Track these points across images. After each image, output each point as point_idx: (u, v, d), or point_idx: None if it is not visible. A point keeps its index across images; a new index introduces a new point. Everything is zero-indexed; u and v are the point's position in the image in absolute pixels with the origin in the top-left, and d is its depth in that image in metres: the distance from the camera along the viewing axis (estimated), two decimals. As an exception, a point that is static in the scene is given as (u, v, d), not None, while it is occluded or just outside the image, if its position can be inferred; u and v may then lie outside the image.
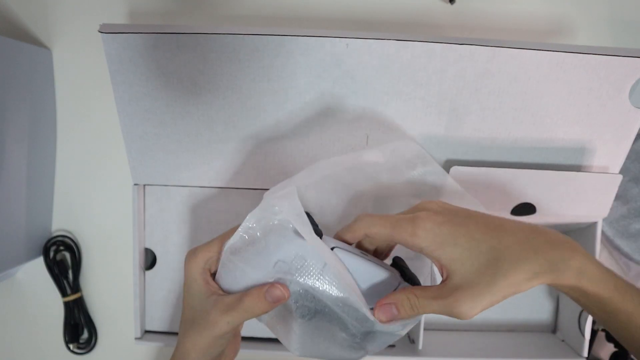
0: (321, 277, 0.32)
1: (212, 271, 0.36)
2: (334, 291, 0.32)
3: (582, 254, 0.30)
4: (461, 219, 0.32)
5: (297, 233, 0.33)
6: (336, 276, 0.32)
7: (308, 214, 0.34)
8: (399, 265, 0.37)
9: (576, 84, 0.42)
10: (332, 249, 0.33)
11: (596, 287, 0.30)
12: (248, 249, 0.33)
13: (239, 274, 0.34)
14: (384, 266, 0.35)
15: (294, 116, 0.43)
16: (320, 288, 0.32)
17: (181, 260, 0.49)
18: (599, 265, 0.31)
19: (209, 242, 0.36)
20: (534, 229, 0.32)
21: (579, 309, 0.50)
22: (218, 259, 0.35)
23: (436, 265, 0.33)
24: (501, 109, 0.43)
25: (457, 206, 0.34)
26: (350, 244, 0.35)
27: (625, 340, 0.31)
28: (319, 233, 0.33)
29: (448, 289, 0.31)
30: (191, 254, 0.35)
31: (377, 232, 0.33)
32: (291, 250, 0.32)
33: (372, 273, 0.33)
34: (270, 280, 0.33)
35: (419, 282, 0.36)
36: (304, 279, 0.32)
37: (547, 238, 0.31)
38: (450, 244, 0.31)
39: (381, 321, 0.32)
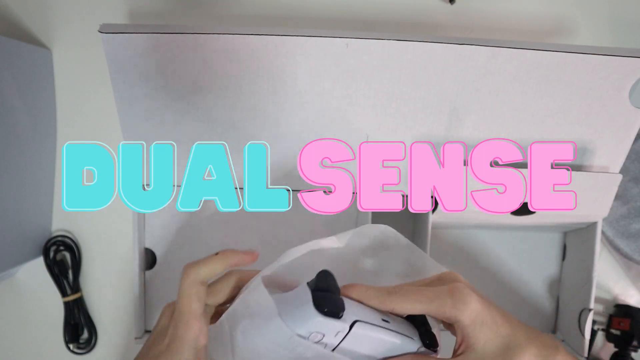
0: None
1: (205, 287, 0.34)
2: None
3: (563, 350, 0.32)
4: (487, 299, 0.32)
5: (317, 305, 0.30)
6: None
7: (328, 273, 0.31)
8: (419, 322, 0.34)
9: (576, 84, 0.42)
10: (352, 324, 0.30)
11: None
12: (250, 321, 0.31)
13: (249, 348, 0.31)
14: (404, 331, 0.33)
15: (293, 116, 0.43)
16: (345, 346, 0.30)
17: (181, 260, 0.49)
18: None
19: (209, 260, 0.35)
20: (527, 326, 0.33)
21: (579, 309, 0.50)
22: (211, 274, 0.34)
23: (457, 335, 0.33)
24: (501, 109, 0.43)
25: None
26: None
27: None
28: (339, 308, 0.30)
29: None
30: (192, 268, 0.35)
31: (411, 308, 0.32)
32: (310, 327, 0.29)
33: (392, 344, 0.32)
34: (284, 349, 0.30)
35: (437, 343, 0.34)
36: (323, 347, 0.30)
37: (538, 335, 0.32)
38: (481, 322, 0.31)
39: None
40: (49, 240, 0.54)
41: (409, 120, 0.43)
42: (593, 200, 0.46)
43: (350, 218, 0.48)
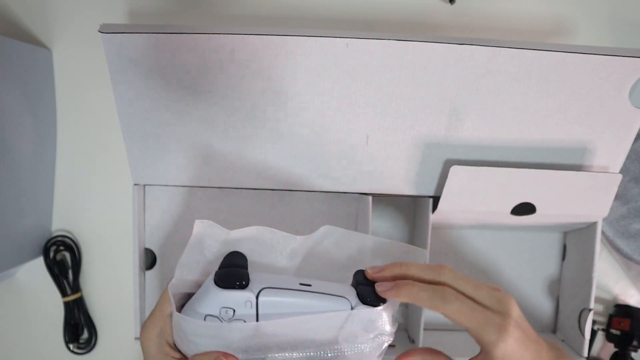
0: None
1: (170, 341, 0.33)
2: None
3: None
4: (528, 339, 0.32)
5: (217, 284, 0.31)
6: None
7: (236, 253, 0.33)
8: (360, 284, 0.34)
9: (576, 84, 0.42)
10: (259, 291, 0.31)
11: None
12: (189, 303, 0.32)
13: (184, 335, 0.32)
14: (332, 291, 0.32)
15: (294, 116, 0.43)
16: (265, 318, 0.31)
17: (181, 260, 0.49)
18: None
19: (151, 313, 0.34)
20: (551, 344, 0.34)
21: (579, 308, 0.50)
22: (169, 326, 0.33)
23: (481, 351, 0.34)
24: (501, 109, 0.43)
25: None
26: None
27: None
28: (241, 279, 0.31)
29: None
30: (143, 331, 0.33)
31: (456, 319, 0.32)
32: (215, 305, 0.31)
33: (318, 306, 0.32)
34: (210, 338, 0.31)
35: (382, 299, 0.33)
36: (239, 332, 0.31)
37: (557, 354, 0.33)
38: (509, 358, 0.32)
39: None
40: (49, 240, 0.54)
41: (409, 120, 0.43)
42: (593, 200, 0.46)
43: (350, 219, 0.48)
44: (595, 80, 0.42)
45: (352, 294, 0.33)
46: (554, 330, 0.56)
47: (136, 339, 0.48)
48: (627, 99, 0.43)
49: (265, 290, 0.31)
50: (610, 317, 0.57)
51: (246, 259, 0.34)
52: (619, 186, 0.46)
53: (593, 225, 0.49)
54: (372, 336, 0.32)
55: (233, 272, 0.32)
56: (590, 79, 0.42)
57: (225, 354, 0.30)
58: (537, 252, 0.55)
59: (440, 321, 0.55)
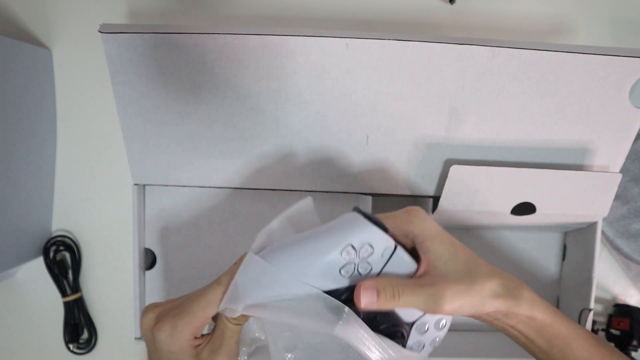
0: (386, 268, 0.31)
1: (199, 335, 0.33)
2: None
3: (526, 285, 0.34)
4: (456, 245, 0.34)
5: (367, 219, 0.31)
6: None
7: (367, 215, 0.32)
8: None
9: (576, 84, 0.42)
10: (395, 246, 0.32)
11: (543, 313, 0.33)
12: (298, 237, 0.32)
13: (283, 269, 0.31)
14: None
15: (294, 116, 0.43)
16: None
17: (181, 260, 0.49)
18: (536, 294, 0.34)
19: (187, 310, 0.32)
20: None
21: (579, 309, 0.50)
22: (205, 324, 0.32)
23: (420, 255, 0.33)
24: (501, 109, 0.43)
25: None
26: None
27: None
28: (385, 228, 0.32)
29: (430, 280, 0.32)
30: (171, 329, 0.32)
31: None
32: (362, 237, 0.30)
33: (409, 271, 0.32)
34: (335, 267, 0.30)
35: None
36: (367, 267, 0.31)
37: (497, 270, 0.34)
38: (439, 240, 0.33)
39: (359, 305, 0.31)
40: (49, 240, 0.54)
41: (409, 120, 0.43)
42: (593, 200, 0.46)
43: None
44: (595, 80, 0.42)
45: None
46: (554, 330, 0.56)
47: (137, 339, 0.48)
48: (627, 99, 0.43)
49: (400, 249, 0.32)
50: (610, 317, 0.57)
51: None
52: (619, 186, 0.46)
53: (593, 225, 0.49)
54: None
55: (380, 221, 0.32)
56: (590, 79, 0.42)
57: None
58: (537, 252, 0.55)
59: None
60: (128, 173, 0.46)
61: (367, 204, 0.46)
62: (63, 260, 0.55)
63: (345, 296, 0.31)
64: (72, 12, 0.53)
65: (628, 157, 0.47)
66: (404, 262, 0.32)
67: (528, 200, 0.46)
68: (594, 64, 0.41)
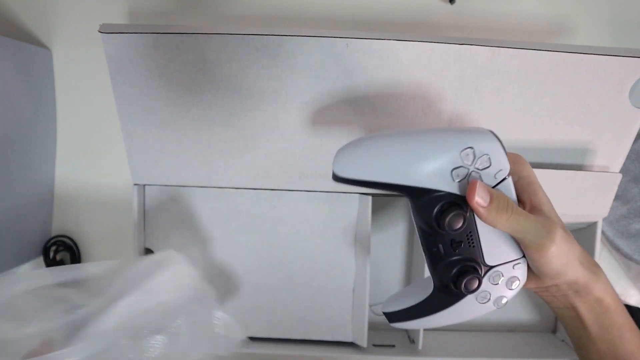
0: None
1: None
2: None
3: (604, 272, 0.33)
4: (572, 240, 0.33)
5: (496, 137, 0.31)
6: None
7: (496, 135, 0.32)
8: None
9: (576, 84, 0.42)
10: (508, 174, 0.31)
11: (612, 298, 0.32)
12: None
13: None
14: None
15: (294, 116, 0.43)
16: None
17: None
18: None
19: None
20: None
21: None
22: None
23: (522, 200, 0.33)
24: (501, 109, 0.43)
25: None
26: None
27: (603, 356, 0.33)
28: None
29: (543, 217, 0.31)
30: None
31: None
32: (486, 146, 0.30)
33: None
34: (449, 165, 0.30)
35: None
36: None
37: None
38: (541, 190, 0.33)
39: (470, 199, 0.30)
40: (49, 240, 0.54)
41: (409, 120, 0.43)
42: (593, 200, 0.46)
43: (350, 219, 0.48)
44: (595, 80, 0.42)
45: None
46: (554, 331, 0.56)
47: (136, 339, 0.48)
48: (627, 99, 0.43)
49: (509, 179, 0.31)
50: (610, 317, 0.57)
51: None
52: (619, 186, 0.46)
53: (593, 225, 0.49)
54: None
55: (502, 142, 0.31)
56: (590, 79, 0.42)
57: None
58: (537, 252, 0.55)
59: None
60: (128, 173, 0.46)
61: (367, 204, 0.46)
62: (63, 260, 0.55)
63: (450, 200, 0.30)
64: (72, 12, 0.53)
65: (628, 157, 0.47)
66: (510, 194, 0.31)
67: (528, 200, 0.46)
68: (594, 64, 0.41)
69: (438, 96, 0.42)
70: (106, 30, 0.40)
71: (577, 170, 0.45)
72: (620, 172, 0.46)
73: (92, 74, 0.53)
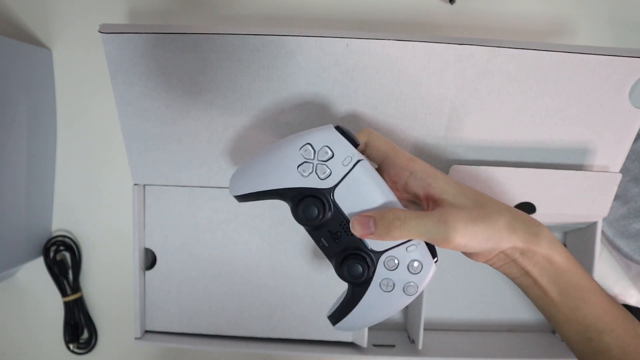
0: (347, 176, 0.32)
1: None
2: (361, 195, 0.32)
3: (544, 225, 0.32)
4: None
5: (338, 130, 0.33)
6: (368, 180, 0.32)
7: (340, 128, 0.34)
8: None
9: (576, 84, 0.42)
10: (359, 160, 0.33)
11: (561, 256, 0.31)
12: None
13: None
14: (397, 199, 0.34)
15: (294, 116, 0.43)
16: (343, 187, 0.32)
17: (181, 261, 0.49)
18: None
19: None
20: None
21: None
22: None
23: (421, 196, 0.32)
24: (501, 109, 0.43)
25: None
26: None
27: (569, 321, 0.31)
28: (355, 141, 0.34)
29: (439, 210, 0.30)
30: None
31: (379, 145, 0.34)
32: (324, 139, 0.33)
33: (388, 196, 0.32)
34: (294, 163, 0.33)
35: None
36: (326, 171, 0.32)
37: (511, 207, 0.32)
38: (441, 178, 0.32)
39: (355, 233, 0.31)
40: (49, 240, 0.54)
41: (409, 120, 0.43)
42: (593, 200, 0.46)
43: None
44: (595, 80, 0.42)
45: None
46: (554, 331, 0.56)
47: (137, 339, 0.48)
48: (627, 99, 0.43)
49: (365, 162, 0.33)
50: (610, 317, 0.57)
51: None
52: (619, 186, 0.46)
53: (593, 225, 0.49)
54: None
55: (350, 132, 0.34)
56: (590, 79, 0.42)
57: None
58: (537, 252, 0.55)
59: (440, 321, 0.55)
60: (128, 173, 0.46)
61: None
62: (63, 260, 0.55)
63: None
64: (72, 12, 0.53)
65: (628, 157, 0.47)
66: (369, 177, 0.32)
67: (528, 200, 0.46)
68: (594, 64, 0.41)
69: (438, 96, 0.42)
70: (106, 30, 0.40)
71: (577, 170, 0.45)
72: (620, 172, 0.46)
73: (92, 74, 0.53)
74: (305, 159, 0.33)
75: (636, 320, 0.32)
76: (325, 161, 0.32)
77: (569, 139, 0.45)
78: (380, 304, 0.33)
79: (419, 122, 0.44)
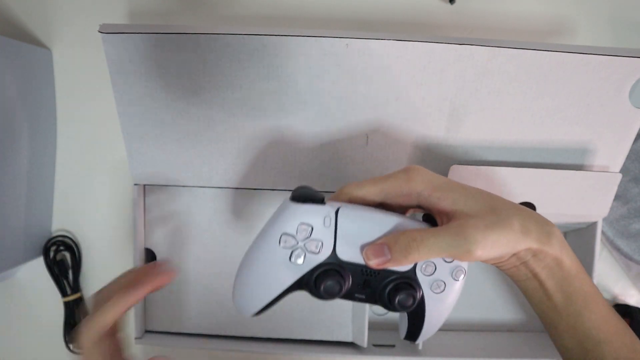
0: (336, 237, 0.30)
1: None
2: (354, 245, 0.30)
3: (556, 227, 0.31)
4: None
5: (295, 200, 0.31)
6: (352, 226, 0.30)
7: (304, 186, 0.32)
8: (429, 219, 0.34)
9: (576, 84, 0.42)
10: (337, 209, 0.31)
11: (570, 260, 0.30)
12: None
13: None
14: (402, 215, 0.32)
15: (294, 116, 0.43)
16: (342, 243, 0.30)
17: (181, 260, 0.49)
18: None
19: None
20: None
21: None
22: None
23: (434, 213, 0.31)
24: (501, 109, 0.43)
25: None
26: None
27: (569, 328, 0.31)
28: (318, 196, 0.31)
29: (454, 223, 0.29)
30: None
31: (366, 192, 0.32)
32: (293, 219, 0.30)
33: (391, 223, 0.31)
34: (283, 259, 0.30)
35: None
36: (317, 244, 0.30)
37: (522, 206, 0.31)
38: (447, 189, 0.30)
39: (370, 264, 0.30)
40: (49, 240, 0.54)
41: (409, 121, 0.43)
42: (593, 200, 0.46)
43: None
44: (595, 80, 0.42)
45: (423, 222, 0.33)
46: (554, 330, 0.56)
47: (137, 339, 0.48)
48: (627, 99, 0.43)
49: (344, 207, 0.31)
50: (610, 317, 0.57)
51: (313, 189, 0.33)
52: (619, 186, 0.46)
53: (593, 225, 0.49)
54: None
55: (309, 190, 0.31)
56: (590, 79, 0.42)
57: None
58: (537, 252, 0.55)
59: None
60: (128, 173, 0.46)
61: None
62: (63, 260, 0.55)
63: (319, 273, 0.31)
64: (72, 12, 0.53)
65: (628, 157, 0.47)
66: (357, 213, 0.31)
67: (528, 200, 0.46)
68: (594, 64, 0.41)
69: (438, 96, 0.42)
70: (106, 30, 0.40)
71: (577, 170, 0.45)
72: (620, 172, 0.46)
73: (92, 74, 0.53)
74: (291, 247, 0.30)
75: (635, 335, 0.31)
76: (310, 237, 0.30)
77: (569, 139, 0.45)
78: (442, 305, 0.32)
79: (419, 122, 0.44)
